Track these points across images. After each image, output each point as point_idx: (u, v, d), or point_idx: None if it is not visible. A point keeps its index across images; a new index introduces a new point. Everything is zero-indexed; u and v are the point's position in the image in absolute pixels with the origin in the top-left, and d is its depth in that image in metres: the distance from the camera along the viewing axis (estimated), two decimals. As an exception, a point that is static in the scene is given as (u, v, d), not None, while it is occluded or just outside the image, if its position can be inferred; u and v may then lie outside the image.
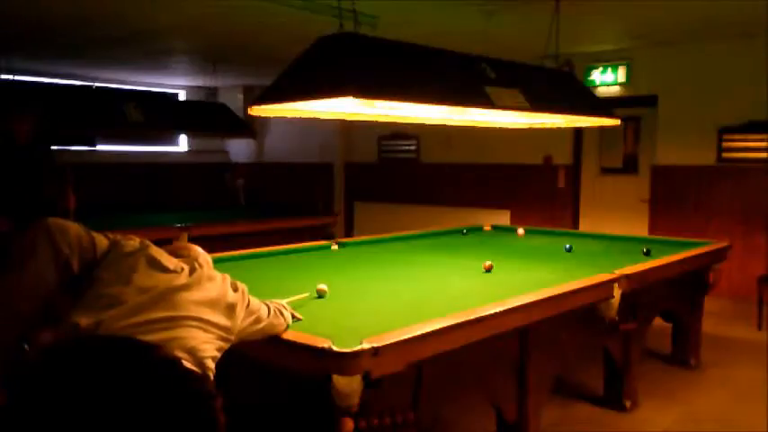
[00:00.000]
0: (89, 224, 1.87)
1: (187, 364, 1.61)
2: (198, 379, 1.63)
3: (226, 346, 1.82)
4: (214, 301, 1.81)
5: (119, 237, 1.89)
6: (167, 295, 1.73)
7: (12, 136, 4.20)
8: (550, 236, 5.13)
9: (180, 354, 1.62)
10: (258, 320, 2.01)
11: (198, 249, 2.08)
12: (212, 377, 1.72)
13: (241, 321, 1.91)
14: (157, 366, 1.57)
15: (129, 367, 1.53)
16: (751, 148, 6.31)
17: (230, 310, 1.85)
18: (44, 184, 4.28)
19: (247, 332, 1.96)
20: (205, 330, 1.74)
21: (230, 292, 1.89)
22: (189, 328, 1.69)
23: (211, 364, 1.72)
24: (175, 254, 1.97)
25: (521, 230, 5.25)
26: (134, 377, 1.52)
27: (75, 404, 1.48)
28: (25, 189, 4.19)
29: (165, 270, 1.79)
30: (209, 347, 1.73)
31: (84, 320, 1.61)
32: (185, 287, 1.77)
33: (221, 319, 1.80)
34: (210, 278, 1.87)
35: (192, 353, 1.65)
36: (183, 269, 1.84)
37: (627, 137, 7.30)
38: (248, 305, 1.96)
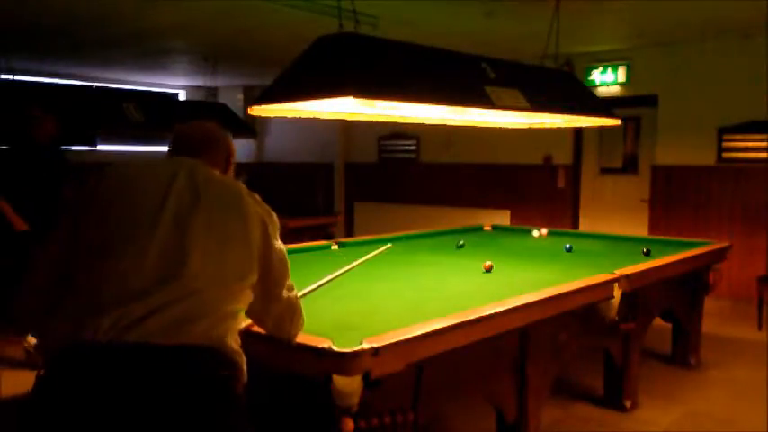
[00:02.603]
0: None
1: (211, 367, 1.48)
2: (225, 387, 1.51)
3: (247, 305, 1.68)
4: (240, 243, 1.60)
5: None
6: (177, 247, 1.52)
7: (32, 137, 4.23)
8: (550, 236, 5.13)
9: (204, 355, 1.48)
10: (290, 288, 1.84)
11: (231, 147, 1.89)
12: (243, 364, 1.61)
13: (275, 284, 1.73)
14: (181, 382, 1.44)
15: (150, 384, 1.41)
16: (751, 148, 6.31)
17: (264, 262, 1.67)
18: (64, 184, 4.29)
19: (275, 299, 1.76)
20: (228, 302, 1.57)
21: (271, 238, 1.70)
22: (210, 317, 1.52)
23: (237, 346, 1.60)
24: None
25: (543, 231, 5.17)
26: (156, 394, 1.41)
27: (90, 421, 1.39)
28: (46, 190, 4.20)
29: (163, 187, 1.57)
30: (233, 334, 1.58)
31: (89, 323, 1.44)
32: (195, 226, 1.54)
33: (249, 278, 1.62)
34: (241, 212, 1.64)
35: (217, 347, 1.52)
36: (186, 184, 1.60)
37: (627, 137, 7.30)
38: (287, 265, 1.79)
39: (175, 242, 1.54)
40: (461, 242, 4.27)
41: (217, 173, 1.76)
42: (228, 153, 1.90)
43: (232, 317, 1.60)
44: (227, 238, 1.60)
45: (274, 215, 1.77)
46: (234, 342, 1.60)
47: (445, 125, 4.23)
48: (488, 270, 3.41)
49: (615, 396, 3.62)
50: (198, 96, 10.17)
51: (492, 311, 2.44)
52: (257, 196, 1.76)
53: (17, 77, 7.10)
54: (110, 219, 1.59)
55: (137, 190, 1.63)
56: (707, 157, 6.59)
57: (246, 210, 1.66)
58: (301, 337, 2.05)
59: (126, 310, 1.45)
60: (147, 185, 1.64)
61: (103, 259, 1.53)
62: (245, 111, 6.24)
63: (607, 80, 7.19)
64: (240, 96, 10.00)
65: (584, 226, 7.44)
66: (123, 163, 1.74)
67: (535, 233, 5.17)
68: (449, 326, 2.23)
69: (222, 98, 9.97)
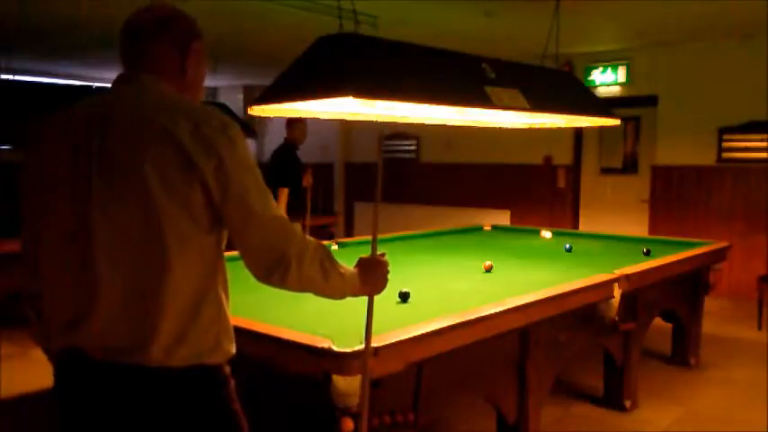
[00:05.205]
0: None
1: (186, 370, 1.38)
2: (204, 385, 1.43)
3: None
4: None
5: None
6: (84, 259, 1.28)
7: (295, 139, 5.58)
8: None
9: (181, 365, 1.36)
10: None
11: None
12: (228, 348, 1.45)
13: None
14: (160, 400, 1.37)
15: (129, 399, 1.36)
16: (751, 148, 6.32)
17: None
18: (303, 173, 5.53)
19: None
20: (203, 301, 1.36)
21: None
22: (190, 331, 1.35)
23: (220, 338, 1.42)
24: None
25: (547, 233, 5.12)
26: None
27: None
28: (299, 178, 5.49)
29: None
30: (212, 333, 1.38)
31: (54, 339, 1.38)
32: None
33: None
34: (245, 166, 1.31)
35: (195, 354, 1.38)
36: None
37: (627, 137, 7.30)
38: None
39: (84, 251, 1.30)
40: (405, 289, 2.73)
41: (165, 92, 1.32)
42: (184, 40, 1.36)
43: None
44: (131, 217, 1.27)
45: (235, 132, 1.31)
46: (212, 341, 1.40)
47: (445, 125, 4.23)
48: (488, 270, 3.41)
49: (615, 396, 3.62)
50: (198, 96, 10.16)
51: (492, 311, 2.44)
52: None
53: (17, 77, 7.10)
54: (37, 208, 1.37)
55: (59, 164, 1.30)
56: (707, 157, 6.59)
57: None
58: (301, 337, 2.05)
59: (80, 329, 1.33)
60: (65, 156, 1.29)
61: (43, 265, 1.40)
62: (245, 110, 6.24)
63: (607, 80, 7.19)
64: (240, 96, 10.00)
65: (584, 226, 7.43)
66: (62, 112, 1.35)
67: (547, 234, 5.13)
68: (449, 326, 2.23)
69: (222, 98, 9.96)
